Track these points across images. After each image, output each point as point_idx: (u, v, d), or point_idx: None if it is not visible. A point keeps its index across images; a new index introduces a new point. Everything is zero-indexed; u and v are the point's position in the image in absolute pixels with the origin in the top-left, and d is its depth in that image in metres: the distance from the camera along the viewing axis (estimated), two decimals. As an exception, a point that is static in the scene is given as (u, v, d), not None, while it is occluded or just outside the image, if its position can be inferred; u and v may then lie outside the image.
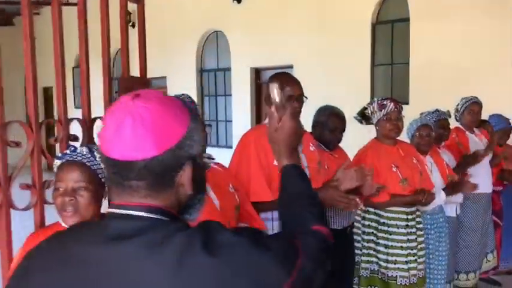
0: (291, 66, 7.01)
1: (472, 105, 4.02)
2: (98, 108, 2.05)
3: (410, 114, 3.88)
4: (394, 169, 2.94)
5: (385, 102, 3.03)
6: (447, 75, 5.40)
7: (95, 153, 1.59)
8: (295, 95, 2.26)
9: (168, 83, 8.84)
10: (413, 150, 3.27)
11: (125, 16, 2.12)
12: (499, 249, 4.43)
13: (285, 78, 2.31)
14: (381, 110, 3.02)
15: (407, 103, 5.79)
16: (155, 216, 0.90)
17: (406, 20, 5.82)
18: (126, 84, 2.10)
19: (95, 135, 1.99)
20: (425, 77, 5.61)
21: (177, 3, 8.33)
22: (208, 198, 1.85)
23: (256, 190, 2.18)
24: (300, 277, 0.92)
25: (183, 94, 1.95)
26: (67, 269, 0.88)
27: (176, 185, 0.92)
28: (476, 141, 4.10)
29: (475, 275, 3.94)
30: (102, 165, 1.03)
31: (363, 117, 3.19)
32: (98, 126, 1.99)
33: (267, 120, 2.45)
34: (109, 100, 2.08)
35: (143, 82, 2.18)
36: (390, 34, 6.11)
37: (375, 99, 3.14)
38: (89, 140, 2.02)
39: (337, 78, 6.45)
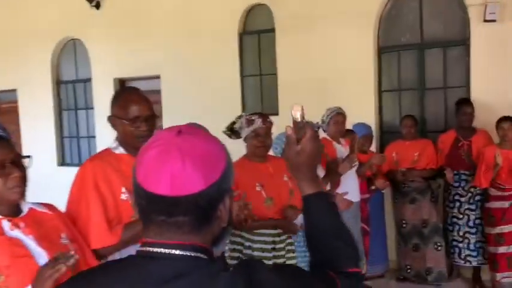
0: (157, 77, 6.63)
1: (336, 116, 4.05)
2: None
3: (281, 125, 3.78)
4: (259, 188, 2.75)
5: (253, 118, 2.85)
6: (314, 85, 5.46)
7: None
8: (142, 116, 1.92)
9: (20, 96, 7.86)
10: (285, 166, 3.12)
11: None
12: (368, 256, 4.52)
13: (129, 95, 1.96)
14: (249, 126, 2.83)
15: (277, 114, 5.75)
16: (197, 255, 0.89)
17: (272, 30, 5.79)
18: None
19: None
20: (293, 87, 5.62)
21: (28, 9, 7.45)
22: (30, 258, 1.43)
23: (97, 236, 1.79)
24: None
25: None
26: None
27: (215, 218, 0.92)
28: (343, 151, 4.12)
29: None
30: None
31: (232, 131, 2.97)
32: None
33: (114, 145, 2.08)
34: None
35: None
36: (257, 44, 6.04)
37: (243, 114, 2.96)
38: None
39: (206, 88, 6.22)
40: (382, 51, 5.29)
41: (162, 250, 0.87)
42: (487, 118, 4.54)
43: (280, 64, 5.76)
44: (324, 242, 1.09)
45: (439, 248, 4.57)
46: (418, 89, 5.16)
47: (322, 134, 4.11)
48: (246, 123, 2.85)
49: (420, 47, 5.12)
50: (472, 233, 4.49)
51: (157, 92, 6.67)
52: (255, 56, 6.08)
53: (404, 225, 4.68)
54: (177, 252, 0.87)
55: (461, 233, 4.52)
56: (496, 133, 4.32)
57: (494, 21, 4.54)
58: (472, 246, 4.49)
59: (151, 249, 0.88)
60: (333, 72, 5.36)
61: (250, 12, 6.05)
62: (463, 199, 4.51)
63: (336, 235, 1.10)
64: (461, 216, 4.51)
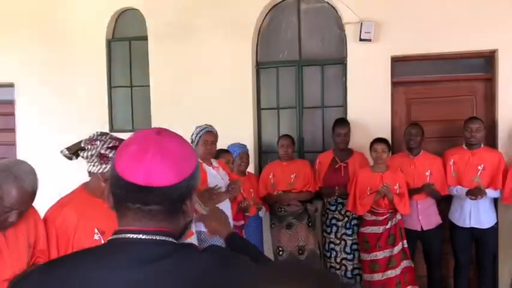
0: (11, 85, 5.74)
1: (206, 135, 3.58)
2: None
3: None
4: (97, 237, 2.10)
5: (110, 155, 2.06)
6: (190, 100, 5.02)
7: None
8: None
9: None
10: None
11: None
12: None
13: None
14: (104, 164, 2.11)
15: (149, 130, 5.21)
16: (171, 240, 1.00)
17: (145, 38, 5.26)
18: None
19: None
20: (167, 101, 5.12)
21: None
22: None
23: None
24: None
25: None
26: None
27: (182, 212, 1.03)
28: (214, 174, 3.70)
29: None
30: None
31: (76, 155, 2.29)
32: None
33: None
34: None
35: None
36: (128, 53, 5.46)
37: (98, 141, 2.09)
38: None
39: (69, 100, 5.50)
40: (260, 66, 5.01)
41: (142, 236, 0.97)
42: (363, 139, 4.42)
43: (153, 75, 5.24)
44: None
45: (316, 275, 4.32)
46: (297, 108, 4.95)
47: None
48: (98, 158, 2.15)
49: (298, 64, 4.92)
50: (349, 260, 4.30)
51: (10, 102, 5.77)
52: (126, 66, 5.49)
53: (280, 253, 4.38)
54: (157, 237, 0.97)
55: (338, 260, 4.32)
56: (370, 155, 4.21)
57: (369, 40, 4.47)
58: (349, 274, 4.30)
59: (130, 235, 0.97)
60: (210, 87, 4.98)
61: (120, 17, 5.46)
62: (340, 223, 4.32)
63: (255, 254, 1.38)
64: (338, 241, 4.32)
